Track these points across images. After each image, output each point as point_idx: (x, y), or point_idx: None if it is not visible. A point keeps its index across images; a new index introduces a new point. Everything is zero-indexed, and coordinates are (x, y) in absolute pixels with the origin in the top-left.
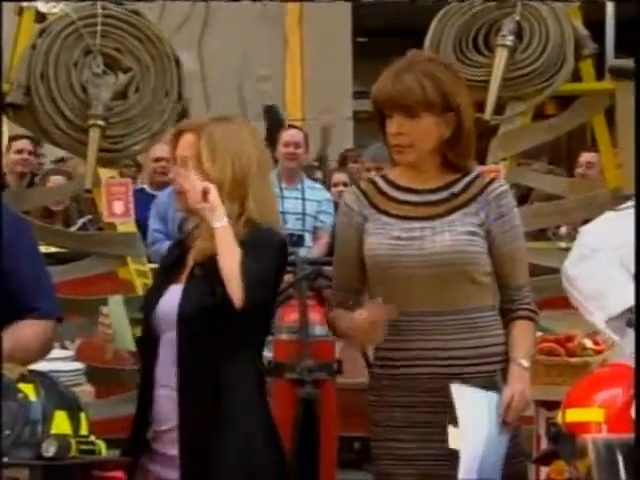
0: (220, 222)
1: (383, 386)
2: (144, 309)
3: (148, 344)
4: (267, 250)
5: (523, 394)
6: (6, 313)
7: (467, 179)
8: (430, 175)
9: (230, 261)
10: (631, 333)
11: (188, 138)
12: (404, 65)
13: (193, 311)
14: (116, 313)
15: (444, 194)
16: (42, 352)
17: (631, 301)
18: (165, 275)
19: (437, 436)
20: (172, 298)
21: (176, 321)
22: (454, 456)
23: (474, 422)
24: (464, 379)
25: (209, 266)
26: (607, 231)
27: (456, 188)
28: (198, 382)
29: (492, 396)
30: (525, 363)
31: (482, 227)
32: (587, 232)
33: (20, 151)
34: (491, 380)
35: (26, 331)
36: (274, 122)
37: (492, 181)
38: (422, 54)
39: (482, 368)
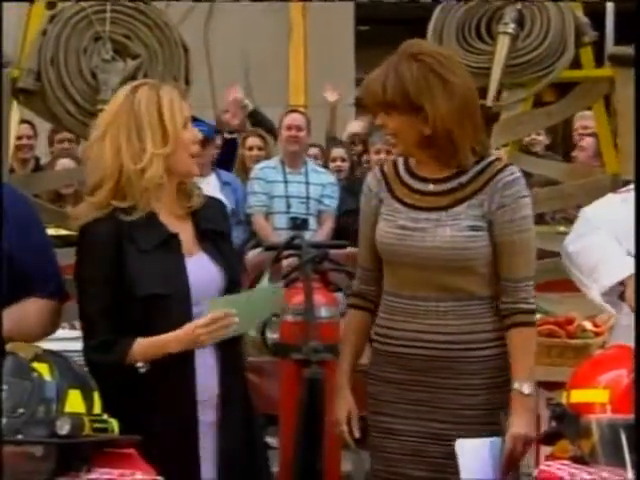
0: None
1: (380, 361)
2: (156, 286)
3: (167, 318)
4: None
5: (525, 438)
6: (12, 293)
7: (478, 167)
8: (437, 165)
9: None
10: (626, 307)
11: None
12: (387, 62)
13: (235, 278)
14: (271, 302)
15: (453, 184)
16: (47, 330)
17: (624, 274)
18: (154, 255)
19: (425, 414)
20: (202, 270)
21: (224, 289)
22: (438, 436)
23: (478, 473)
24: (459, 362)
25: (207, 230)
26: (608, 211)
27: (465, 178)
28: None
29: (495, 442)
30: (527, 389)
31: (485, 219)
32: (588, 211)
33: (19, 137)
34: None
35: (29, 309)
36: (263, 123)
37: (503, 169)
38: (411, 47)
39: (476, 353)
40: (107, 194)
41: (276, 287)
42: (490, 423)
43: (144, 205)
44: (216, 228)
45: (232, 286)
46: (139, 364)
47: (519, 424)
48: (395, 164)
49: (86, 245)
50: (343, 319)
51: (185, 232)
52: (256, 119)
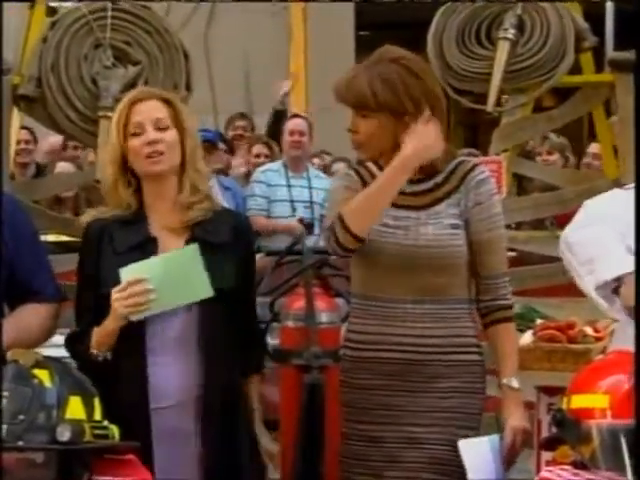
0: None
1: (353, 368)
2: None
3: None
4: None
5: (523, 430)
6: (8, 297)
7: (450, 167)
8: None
9: None
10: (619, 302)
11: None
12: (365, 65)
13: (216, 289)
14: (192, 261)
15: (429, 184)
16: (45, 335)
17: (621, 271)
18: (127, 255)
19: (401, 419)
20: None
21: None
22: (414, 440)
23: (483, 471)
24: (436, 366)
25: (200, 241)
26: (611, 204)
27: (439, 177)
28: (221, 357)
29: (494, 439)
30: (515, 384)
31: (462, 217)
32: (590, 204)
33: (18, 142)
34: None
35: (29, 316)
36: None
37: (473, 168)
38: (390, 52)
39: (453, 357)
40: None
41: (188, 246)
42: (465, 427)
43: (126, 205)
44: (213, 240)
45: (211, 298)
46: (94, 351)
47: (515, 417)
48: (366, 167)
49: (81, 245)
50: (344, 325)
51: (173, 240)
52: (280, 118)
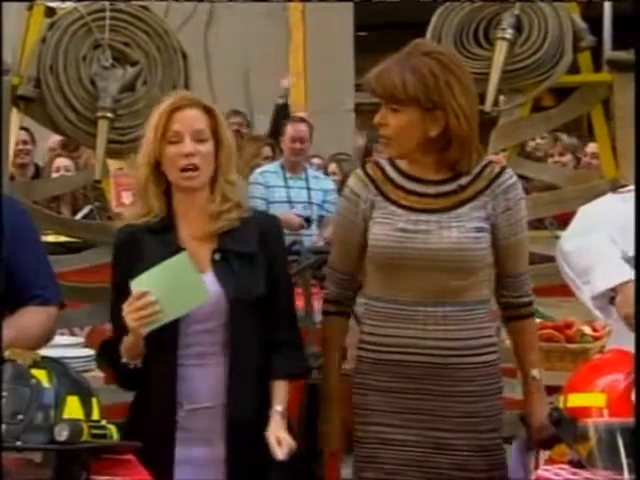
0: None
1: (369, 370)
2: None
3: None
4: None
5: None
6: (8, 300)
7: (476, 170)
8: (434, 167)
9: None
10: (615, 313)
11: None
12: (397, 57)
13: (244, 299)
14: (185, 269)
15: (452, 186)
16: (44, 338)
17: (617, 281)
18: (157, 262)
19: (423, 423)
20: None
21: (227, 309)
22: (442, 446)
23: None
24: (456, 369)
25: (227, 251)
26: (605, 211)
27: (464, 180)
28: (250, 362)
29: (517, 443)
30: (538, 375)
31: (488, 220)
32: (585, 211)
33: (16, 143)
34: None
35: (28, 318)
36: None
37: (501, 173)
38: (423, 46)
39: (474, 359)
40: (137, 197)
41: (179, 255)
42: (489, 430)
43: (159, 212)
44: (240, 250)
45: (239, 307)
46: (124, 360)
47: (538, 402)
48: (380, 167)
49: (113, 251)
50: None
51: (201, 249)
52: (282, 113)
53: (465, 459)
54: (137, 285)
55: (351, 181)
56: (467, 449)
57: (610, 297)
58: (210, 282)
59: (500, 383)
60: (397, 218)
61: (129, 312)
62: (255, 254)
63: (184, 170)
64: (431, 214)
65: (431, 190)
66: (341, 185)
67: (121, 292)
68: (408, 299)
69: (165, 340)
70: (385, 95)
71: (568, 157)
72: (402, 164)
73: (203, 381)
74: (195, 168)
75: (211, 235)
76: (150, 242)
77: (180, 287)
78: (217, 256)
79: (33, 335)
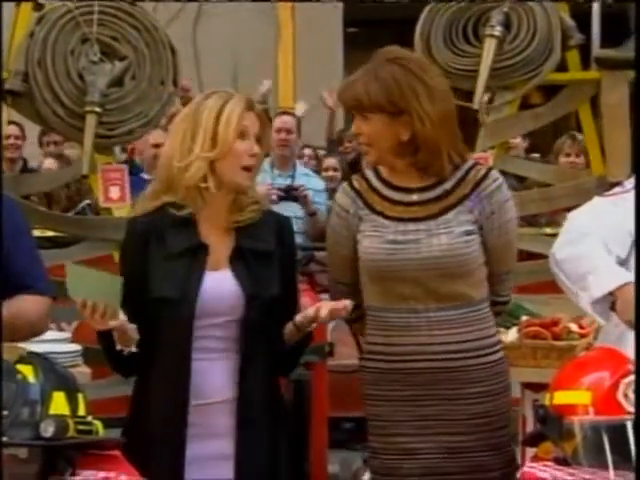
0: None
1: (378, 380)
2: (169, 295)
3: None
4: None
5: None
6: (4, 293)
7: (460, 173)
8: (416, 174)
9: None
10: (615, 317)
11: None
12: (364, 67)
13: (261, 297)
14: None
15: (437, 191)
16: (41, 325)
17: (613, 285)
18: (178, 260)
19: (437, 429)
20: (219, 286)
21: (243, 306)
22: (454, 450)
23: None
24: (464, 371)
25: (246, 249)
26: (594, 216)
27: (448, 184)
28: (262, 359)
29: None
30: None
31: (476, 223)
32: (575, 217)
33: (7, 137)
34: None
35: (27, 301)
36: None
37: (486, 175)
38: (388, 53)
39: (480, 360)
40: (158, 187)
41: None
42: (500, 428)
43: (188, 203)
44: (257, 247)
45: (255, 305)
46: (118, 347)
47: None
48: (365, 178)
49: (123, 242)
50: (331, 321)
51: (221, 245)
52: None
53: (480, 460)
54: (74, 295)
55: (338, 197)
56: (481, 449)
57: (610, 302)
58: (228, 279)
59: (508, 381)
60: (385, 230)
61: (90, 321)
62: (272, 253)
63: (246, 169)
64: (419, 222)
65: (416, 197)
66: (342, 180)
67: (132, 282)
68: (409, 307)
69: (179, 335)
70: (353, 105)
71: (582, 158)
72: (385, 173)
73: (214, 376)
74: (253, 168)
75: (230, 229)
76: (172, 236)
77: (100, 282)
78: (235, 253)
79: (31, 317)
